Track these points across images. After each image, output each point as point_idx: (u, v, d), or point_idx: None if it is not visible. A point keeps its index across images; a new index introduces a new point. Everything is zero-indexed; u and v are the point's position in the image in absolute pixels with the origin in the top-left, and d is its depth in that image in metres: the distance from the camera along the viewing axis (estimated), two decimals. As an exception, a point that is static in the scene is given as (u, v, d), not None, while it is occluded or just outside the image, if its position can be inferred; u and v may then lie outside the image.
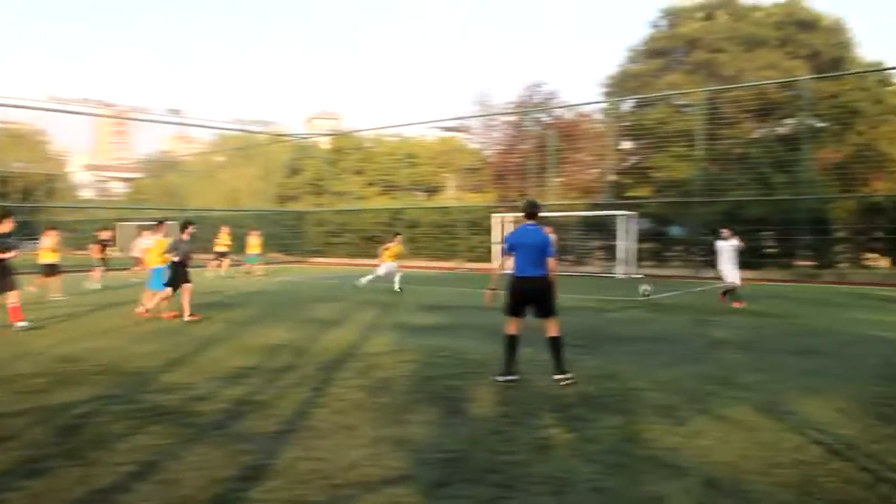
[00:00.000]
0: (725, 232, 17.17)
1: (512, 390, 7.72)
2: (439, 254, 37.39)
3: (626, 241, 29.27)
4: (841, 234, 28.94)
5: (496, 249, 32.78)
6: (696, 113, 32.88)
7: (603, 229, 32.45)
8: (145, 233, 16.88)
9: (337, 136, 64.33)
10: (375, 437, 6.01)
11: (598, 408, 6.96)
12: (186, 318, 13.94)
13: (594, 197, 37.37)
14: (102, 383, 8.06)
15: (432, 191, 62.28)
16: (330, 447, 5.71)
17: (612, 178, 35.32)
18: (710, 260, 28.16)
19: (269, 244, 43.65)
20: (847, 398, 7.39)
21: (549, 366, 8.37)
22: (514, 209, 34.48)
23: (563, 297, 18.06)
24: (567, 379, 8.04)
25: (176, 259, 14.39)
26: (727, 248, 16.91)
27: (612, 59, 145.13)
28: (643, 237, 31.64)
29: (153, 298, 14.51)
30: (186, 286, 14.51)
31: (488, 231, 33.39)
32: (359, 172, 58.72)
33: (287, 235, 45.17)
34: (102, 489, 4.81)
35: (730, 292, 16.92)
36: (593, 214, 32.53)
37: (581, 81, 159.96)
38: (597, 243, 33.70)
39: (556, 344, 8.32)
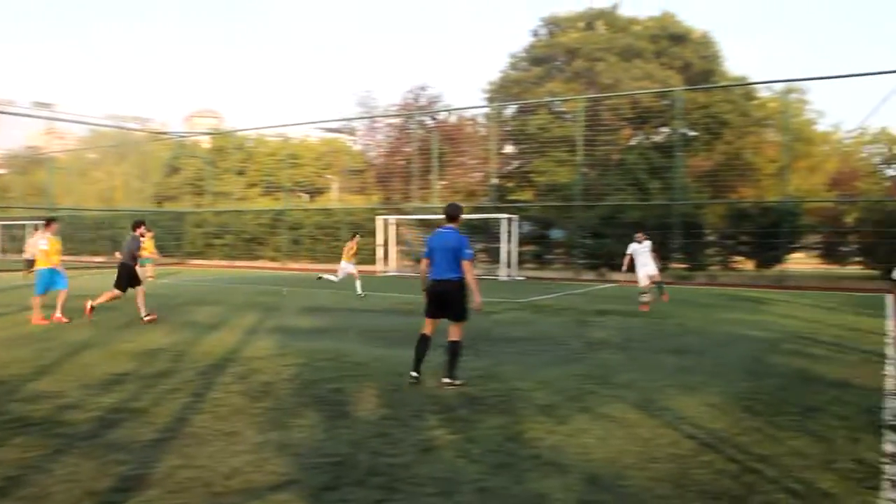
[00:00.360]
0: (639, 236, 17.62)
1: (396, 392, 7.71)
2: (321, 256, 37.03)
3: (508, 244, 29.76)
4: (711, 238, 30.30)
5: (380, 252, 32.76)
6: (575, 120, 33.78)
7: (486, 232, 32.91)
8: (37, 233, 15.88)
9: (217, 135, 62.82)
10: (258, 442, 5.87)
11: (482, 408, 7.04)
12: (145, 318, 13.72)
13: (477, 200, 37.85)
14: (-39, 393, 7.58)
15: (315, 192, 61.69)
16: (211, 454, 5.54)
17: (495, 181, 35.83)
18: (619, 263, 29.21)
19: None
20: (718, 394, 7.74)
21: (440, 367, 8.39)
22: (398, 211, 34.56)
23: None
24: (454, 384, 8.05)
25: (123, 260, 13.96)
26: (642, 251, 17.36)
27: (495, 64, 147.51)
28: (525, 240, 32.24)
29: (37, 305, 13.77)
30: (139, 288, 14.20)
31: (372, 233, 33.30)
32: (240, 173, 57.53)
33: (165, 237, 43.73)
34: (-40, 506, 4.52)
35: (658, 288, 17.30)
36: (476, 217, 32.92)
37: (464, 86, 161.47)
38: (479, 246, 34.12)
39: (454, 348, 8.29)
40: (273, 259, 39.34)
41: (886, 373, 9.12)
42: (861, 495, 4.79)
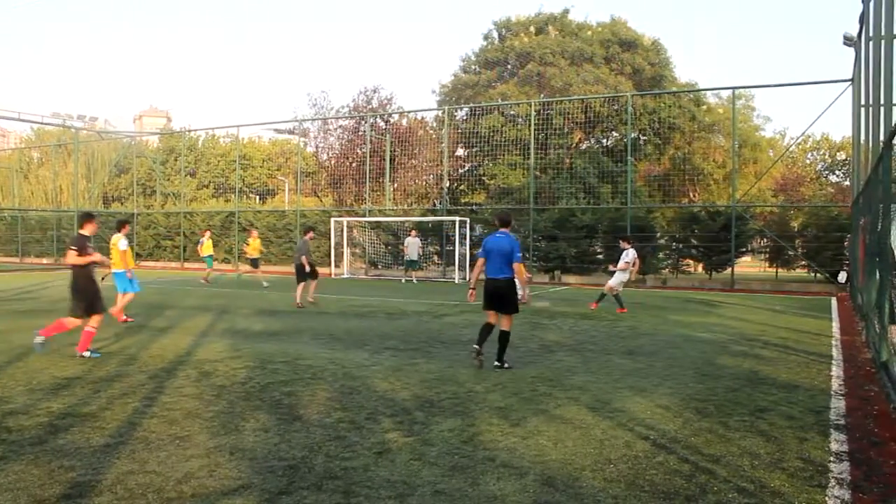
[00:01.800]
0: (625, 243, 17.51)
1: (350, 395, 7.66)
2: (273, 258, 36.70)
3: (461, 247, 29.82)
4: (662, 242, 30.71)
5: (334, 254, 32.58)
6: (527, 123, 33.99)
7: (438, 234, 32.95)
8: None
9: (167, 135, 61.95)
10: (210, 446, 5.79)
11: (437, 411, 7.03)
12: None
13: (429, 202, 37.90)
14: None
15: (267, 194, 61.18)
16: (162, 459, 5.44)
17: (447, 184, 35.89)
18: (571, 266, 29.38)
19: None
20: (670, 395, 7.85)
21: (390, 369, 8.34)
22: (351, 213, 34.42)
23: (400, 302, 18.22)
24: (503, 367, 9.33)
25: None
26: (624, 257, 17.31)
27: (447, 67, 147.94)
28: (477, 242, 32.33)
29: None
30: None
31: (326, 235, 33.11)
32: (191, 173, 56.81)
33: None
34: None
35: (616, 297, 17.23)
36: (429, 220, 32.94)
37: (417, 88, 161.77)
38: (433, 248, 34.17)
39: (505, 337, 9.51)
40: (225, 261, 38.84)
41: (832, 374, 9.34)
42: (809, 493, 4.88)
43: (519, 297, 9.75)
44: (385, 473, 5.17)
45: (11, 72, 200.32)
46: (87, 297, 9.95)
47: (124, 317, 14.17)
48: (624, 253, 17.31)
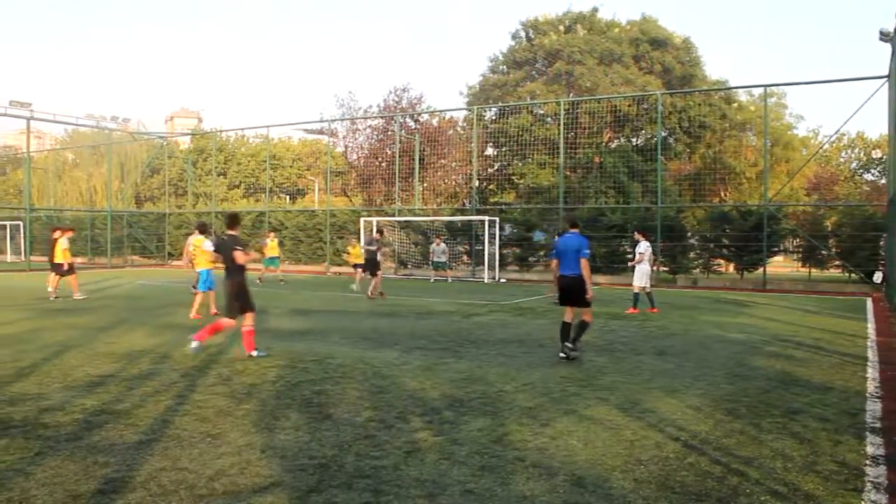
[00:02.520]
0: (639, 235, 17.44)
1: (380, 394, 7.69)
2: (304, 258, 36.92)
3: (490, 246, 29.79)
4: (693, 242, 30.47)
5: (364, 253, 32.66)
6: (556, 122, 33.88)
7: (468, 234, 32.93)
8: (192, 236, 16.47)
9: (199, 135, 62.54)
10: (241, 444, 5.84)
11: (467, 410, 7.03)
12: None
13: (459, 202, 37.90)
14: (-61, 395, 7.49)
15: (297, 194, 61.57)
16: (194, 456, 5.50)
17: (477, 183, 35.87)
18: (600, 266, 29.25)
19: (128, 246, 41.96)
20: (701, 396, 7.78)
21: (419, 369, 8.35)
22: (381, 213, 34.50)
23: (429, 301, 18.25)
24: (574, 350, 10.08)
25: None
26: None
27: (476, 67, 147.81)
28: (507, 242, 32.29)
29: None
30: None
31: (355, 234, 33.22)
32: (221, 174, 57.33)
33: (146, 238, 43.47)
34: (-60, 509, 4.46)
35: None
36: (458, 219, 32.94)
37: (446, 88, 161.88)
38: (462, 248, 34.15)
39: (584, 325, 10.28)
40: (255, 261, 39.14)
41: (867, 376, 9.20)
42: (844, 497, 4.82)
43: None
44: (414, 473, 5.18)
45: (47, 74, 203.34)
46: (244, 296, 10.03)
47: (196, 314, 14.89)
48: (637, 246, 17.24)
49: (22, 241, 43.46)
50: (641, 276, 17.03)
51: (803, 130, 59.55)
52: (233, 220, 10.60)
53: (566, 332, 10.23)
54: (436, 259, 28.92)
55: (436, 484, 4.96)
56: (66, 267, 19.11)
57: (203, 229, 15.86)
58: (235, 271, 10.05)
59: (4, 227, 50.46)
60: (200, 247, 15.21)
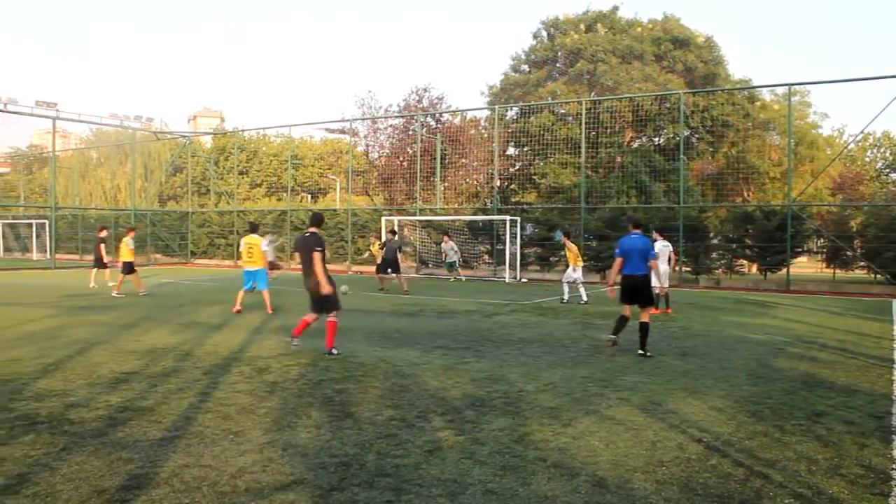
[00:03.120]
0: (656, 234, 17.39)
1: (402, 393, 7.70)
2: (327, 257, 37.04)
3: (512, 246, 29.74)
4: (715, 242, 30.25)
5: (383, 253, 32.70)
6: (577, 122, 33.76)
7: (489, 233, 32.89)
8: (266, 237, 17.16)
9: (221, 135, 62.92)
10: (264, 442, 5.87)
11: (488, 410, 7.03)
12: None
13: (480, 201, 37.85)
14: (-33, 391, 7.59)
15: (318, 193, 61.79)
16: (217, 453, 5.54)
17: (498, 183, 35.82)
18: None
19: (151, 245, 42.28)
20: (723, 397, 7.73)
21: (441, 368, 8.35)
22: (402, 212, 34.54)
23: (450, 301, 18.25)
24: (646, 355, 10.36)
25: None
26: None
27: (497, 66, 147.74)
28: (528, 242, 32.22)
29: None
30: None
31: (377, 234, 33.27)
32: (243, 173, 57.64)
33: (169, 236, 43.79)
34: (-32, 504, 4.51)
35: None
36: (480, 219, 32.91)
37: (466, 87, 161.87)
38: (483, 248, 34.11)
39: (646, 327, 10.57)
40: (277, 259, 39.32)
41: (894, 378, 9.10)
42: (870, 502, 4.77)
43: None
44: (436, 472, 5.19)
45: (72, 74, 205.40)
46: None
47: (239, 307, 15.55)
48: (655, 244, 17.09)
49: (47, 239, 43.91)
50: (661, 276, 16.91)
51: (828, 129, 59.01)
52: (319, 219, 10.66)
53: (622, 325, 10.60)
54: (448, 260, 29.00)
55: (457, 483, 4.96)
56: (131, 266, 20.20)
57: (254, 229, 16.38)
58: (321, 270, 10.10)
59: (30, 225, 51.05)
60: (258, 245, 15.94)
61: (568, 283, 19.41)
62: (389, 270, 22.39)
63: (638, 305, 10.63)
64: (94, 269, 23.32)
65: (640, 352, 10.45)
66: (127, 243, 20.24)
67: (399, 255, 22.60)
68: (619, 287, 10.75)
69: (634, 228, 10.98)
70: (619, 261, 10.74)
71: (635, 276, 10.57)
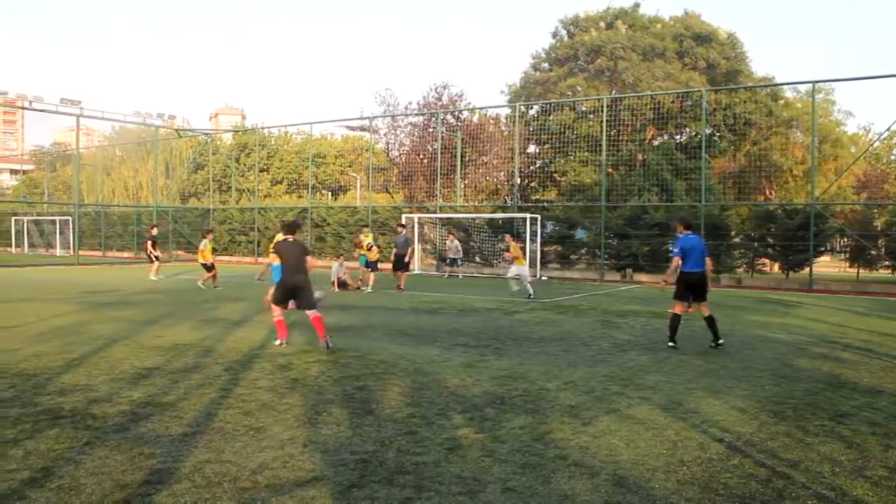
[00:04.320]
0: (681, 228, 17.28)
1: (421, 390, 7.70)
2: (347, 253, 37.10)
3: (532, 244, 29.65)
4: (737, 241, 30.02)
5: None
6: (598, 119, 33.61)
7: (509, 231, 32.80)
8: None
9: (242, 132, 63.19)
10: (284, 438, 5.90)
11: (508, 408, 7.02)
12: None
13: (500, 199, 37.77)
14: (-8, 385, 7.67)
15: (339, 190, 61.92)
16: (238, 449, 5.58)
17: (518, 181, 35.74)
18: (643, 265, 29.00)
19: (172, 242, 42.58)
20: (745, 397, 7.67)
21: (461, 366, 8.34)
22: (422, 210, 34.54)
23: (470, 298, 18.22)
24: (720, 344, 11.05)
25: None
26: None
27: (517, 64, 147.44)
28: (548, 240, 32.13)
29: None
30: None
31: (396, 231, 33.28)
32: (264, 170, 57.88)
33: (191, 233, 44.05)
34: (-6, 497, 4.56)
35: None
36: (500, 216, 32.85)
37: (486, 84, 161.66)
38: (503, 245, 34.02)
39: (713, 319, 11.25)
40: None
41: (917, 378, 8.99)
42: None
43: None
44: (456, 469, 5.19)
45: (96, 73, 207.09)
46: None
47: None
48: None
49: (71, 235, 44.32)
50: None
51: (853, 127, 58.42)
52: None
53: (678, 324, 11.15)
54: (451, 256, 29.34)
55: (477, 481, 4.96)
56: (210, 265, 21.77)
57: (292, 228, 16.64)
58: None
59: (54, 222, 51.55)
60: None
61: (513, 278, 19.99)
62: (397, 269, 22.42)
63: (696, 301, 11.25)
64: (156, 264, 25.10)
65: (719, 343, 11.10)
66: (208, 245, 22.03)
67: (408, 251, 22.81)
68: (676, 284, 11.28)
69: (686, 229, 11.54)
70: (677, 259, 11.20)
71: (696, 273, 11.12)
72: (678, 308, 11.20)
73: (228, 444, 5.72)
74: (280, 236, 16.45)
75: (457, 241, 29.88)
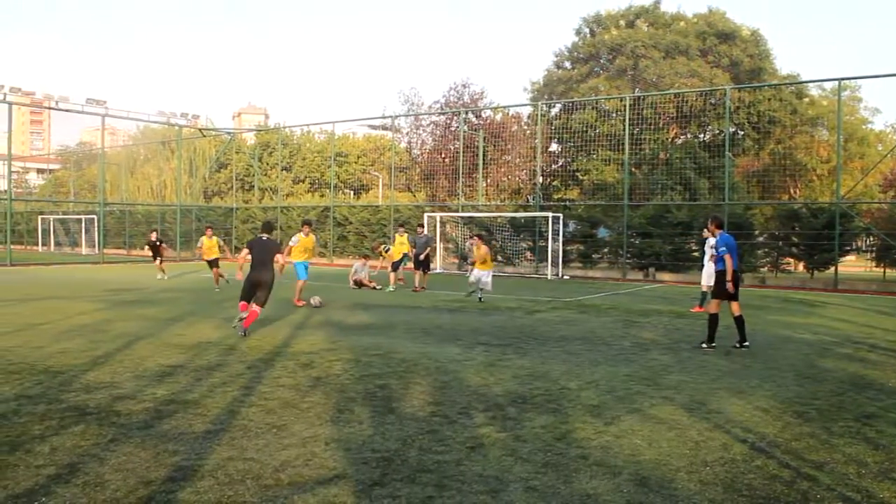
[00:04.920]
0: (713, 227, 17.06)
1: (443, 389, 7.71)
2: (369, 252, 37.19)
3: (554, 243, 29.59)
4: (761, 240, 29.76)
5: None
6: (620, 118, 33.47)
7: (531, 230, 32.75)
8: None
9: (264, 131, 63.50)
10: (307, 436, 5.93)
11: (530, 407, 7.01)
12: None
13: (522, 198, 37.70)
14: (20, 382, 7.77)
15: (361, 189, 62.08)
16: (260, 447, 5.61)
17: (540, 180, 35.66)
18: (666, 263, 28.84)
19: (195, 240, 42.89)
20: (769, 398, 7.61)
21: (482, 365, 8.34)
22: (444, 209, 34.54)
23: (492, 297, 18.20)
24: (745, 345, 10.94)
25: None
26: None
27: (539, 62, 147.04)
28: (571, 239, 32.03)
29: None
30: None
31: (417, 232, 33.29)
32: (286, 169, 58.13)
33: (214, 232, 44.30)
34: (21, 493, 4.60)
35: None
36: (522, 216, 32.79)
37: (508, 83, 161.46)
38: (525, 244, 33.96)
39: (741, 320, 11.14)
40: (320, 255, 39.66)
41: (945, 379, 8.87)
42: (920, 505, 4.66)
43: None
44: (477, 468, 5.19)
45: (121, 73, 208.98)
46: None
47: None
48: (706, 242, 16.76)
49: (96, 234, 44.75)
50: (710, 275, 16.71)
51: (880, 124, 57.72)
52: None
53: (717, 323, 11.08)
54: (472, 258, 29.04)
55: (498, 480, 4.96)
56: (213, 261, 23.22)
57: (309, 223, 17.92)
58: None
59: (79, 220, 52.07)
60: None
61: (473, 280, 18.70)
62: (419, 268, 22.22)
63: (730, 300, 11.05)
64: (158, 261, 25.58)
65: (744, 344, 10.97)
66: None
67: (427, 251, 22.48)
68: (716, 283, 11.24)
69: (719, 228, 11.70)
70: (730, 258, 11.04)
71: (735, 272, 11.06)
72: (715, 307, 11.15)
73: (251, 441, 5.76)
74: (300, 234, 16.89)
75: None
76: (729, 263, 10.99)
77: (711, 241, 16.55)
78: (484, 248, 18.72)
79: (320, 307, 15.99)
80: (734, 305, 11.11)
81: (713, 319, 11.08)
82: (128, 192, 59.88)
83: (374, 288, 21.69)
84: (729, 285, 10.99)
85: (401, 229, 25.09)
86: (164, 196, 58.59)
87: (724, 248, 11.08)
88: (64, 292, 18.94)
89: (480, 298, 18.06)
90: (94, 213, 47.91)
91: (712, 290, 11.44)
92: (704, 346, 10.99)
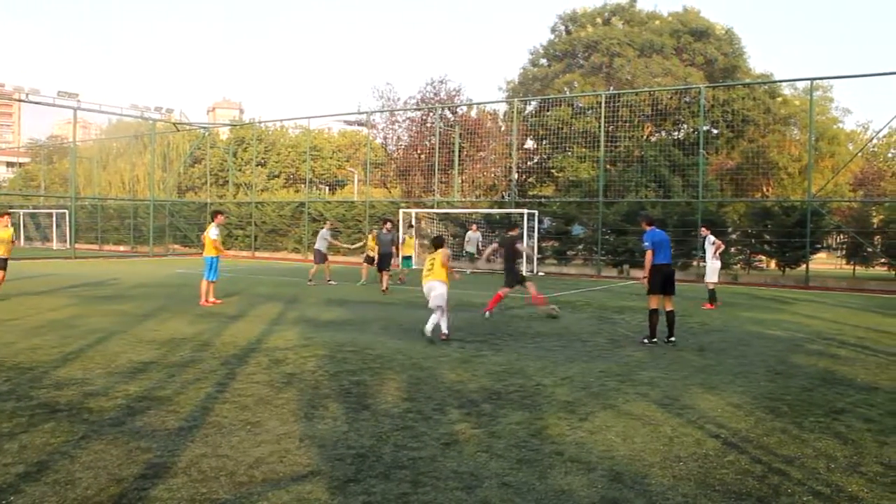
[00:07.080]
0: (704, 230, 17.90)
1: (418, 385, 7.70)
2: (343, 249, 37.08)
3: (529, 240, 29.63)
4: (734, 237, 30.00)
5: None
6: (595, 115, 33.60)
7: (506, 226, 32.74)
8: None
9: (239, 126, 63.08)
10: (281, 433, 5.90)
11: (505, 403, 7.02)
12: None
13: (497, 194, 37.77)
14: (-12, 378, 7.66)
15: (336, 185, 61.86)
16: (234, 444, 5.57)
17: (515, 176, 35.72)
18: (640, 260, 28.93)
19: (169, 235, 42.53)
20: (741, 393, 7.69)
21: (457, 361, 8.34)
22: (420, 205, 34.51)
23: (465, 294, 18.22)
24: (673, 343, 11.07)
25: None
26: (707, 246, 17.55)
27: (515, 59, 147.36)
28: (545, 235, 32.12)
29: None
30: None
31: (394, 227, 33.24)
32: (261, 164, 57.77)
33: (187, 227, 43.99)
34: (-10, 490, 4.55)
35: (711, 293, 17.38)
36: (497, 212, 32.83)
37: (484, 80, 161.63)
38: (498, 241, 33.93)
39: (673, 316, 11.43)
40: (295, 251, 39.48)
41: (913, 375, 9.00)
42: (890, 500, 4.72)
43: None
44: (452, 464, 5.19)
45: (94, 66, 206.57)
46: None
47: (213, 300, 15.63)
48: (706, 240, 17.26)
49: (67, 228, 44.24)
50: (714, 271, 17.42)
51: (851, 125, 58.37)
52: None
53: (656, 321, 11.23)
54: (468, 249, 28.64)
55: (473, 476, 4.96)
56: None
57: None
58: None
59: (51, 215, 51.45)
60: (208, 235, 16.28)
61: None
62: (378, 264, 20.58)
63: (666, 294, 11.31)
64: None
65: (668, 340, 11.14)
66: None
67: (393, 250, 21.06)
68: (650, 278, 11.34)
69: (650, 225, 11.79)
70: (651, 254, 11.32)
71: (668, 265, 11.44)
72: (654, 302, 11.30)
73: (225, 438, 5.72)
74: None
75: (479, 234, 29.12)
76: (648, 259, 11.32)
77: (711, 238, 16.98)
78: (443, 253, 12.23)
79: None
80: (669, 301, 11.39)
81: (652, 316, 11.27)
82: (100, 186, 59.23)
83: (400, 281, 22.05)
84: (644, 280, 11.46)
85: (410, 230, 25.04)
86: (137, 191, 58.02)
87: (647, 244, 11.42)
88: (34, 288, 18.71)
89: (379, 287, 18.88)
90: (65, 207, 47.35)
91: (648, 287, 11.47)
92: (646, 342, 11.08)
